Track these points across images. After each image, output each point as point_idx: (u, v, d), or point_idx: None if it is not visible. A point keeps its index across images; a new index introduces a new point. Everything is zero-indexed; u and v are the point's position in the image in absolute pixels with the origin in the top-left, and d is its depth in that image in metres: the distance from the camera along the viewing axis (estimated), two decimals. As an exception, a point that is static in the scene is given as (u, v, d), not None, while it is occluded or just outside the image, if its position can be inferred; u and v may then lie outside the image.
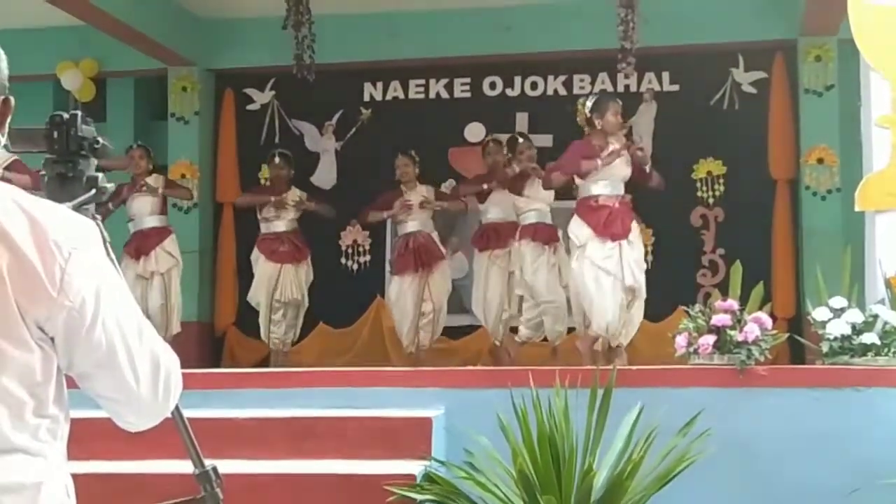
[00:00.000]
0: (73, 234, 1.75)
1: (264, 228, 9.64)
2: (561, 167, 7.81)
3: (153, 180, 9.42)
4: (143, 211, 9.36)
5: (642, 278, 7.51)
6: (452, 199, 9.61)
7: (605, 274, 7.35)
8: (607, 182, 7.55)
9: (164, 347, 1.89)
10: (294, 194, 9.66)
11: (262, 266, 9.62)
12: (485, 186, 9.06)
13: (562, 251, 8.52)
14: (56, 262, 1.70)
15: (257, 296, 9.65)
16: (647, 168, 7.72)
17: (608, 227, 7.41)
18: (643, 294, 7.55)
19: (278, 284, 9.49)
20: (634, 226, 7.61)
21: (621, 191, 7.64)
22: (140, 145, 9.59)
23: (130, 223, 9.41)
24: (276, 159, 9.75)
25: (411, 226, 9.29)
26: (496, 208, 9.08)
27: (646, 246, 8.82)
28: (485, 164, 9.37)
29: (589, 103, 7.82)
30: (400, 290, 9.31)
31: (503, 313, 9.03)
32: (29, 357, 1.71)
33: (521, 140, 8.97)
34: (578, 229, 7.55)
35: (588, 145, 7.65)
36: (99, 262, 1.79)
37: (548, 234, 8.60)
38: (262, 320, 9.62)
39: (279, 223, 9.58)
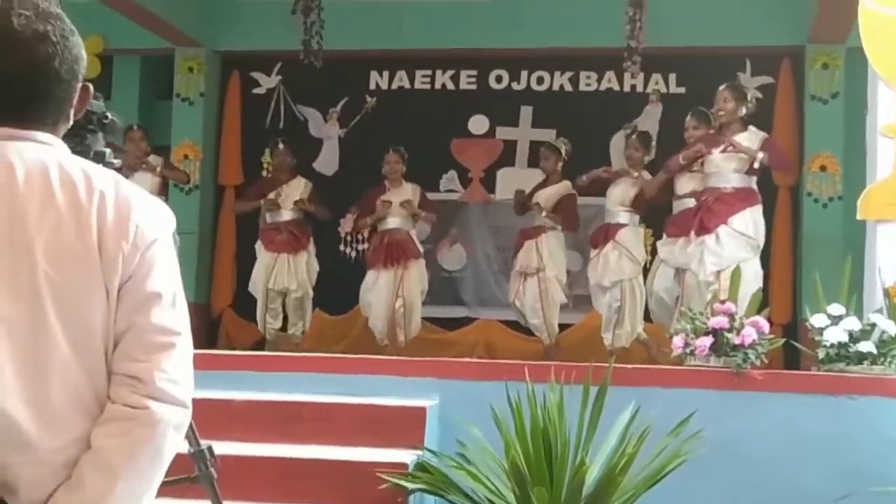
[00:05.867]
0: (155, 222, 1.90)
1: (268, 218, 9.63)
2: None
3: (153, 160, 9.38)
4: None
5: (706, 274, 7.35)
6: (429, 208, 9.58)
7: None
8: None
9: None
10: (298, 184, 9.63)
11: (260, 256, 9.63)
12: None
13: None
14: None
15: (255, 285, 9.65)
16: (760, 157, 7.61)
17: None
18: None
19: (273, 273, 9.48)
20: (733, 219, 7.42)
21: (718, 183, 7.55)
22: (139, 126, 9.54)
23: None
24: (280, 146, 9.75)
25: (391, 223, 9.35)
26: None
27: (647, 247, 8.86)
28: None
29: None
30: (371, 284, 9.35)
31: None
32: None
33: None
34: None
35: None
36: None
37: None
38: (258, 310, 9.62)
39: (282, 212, 9.56)
